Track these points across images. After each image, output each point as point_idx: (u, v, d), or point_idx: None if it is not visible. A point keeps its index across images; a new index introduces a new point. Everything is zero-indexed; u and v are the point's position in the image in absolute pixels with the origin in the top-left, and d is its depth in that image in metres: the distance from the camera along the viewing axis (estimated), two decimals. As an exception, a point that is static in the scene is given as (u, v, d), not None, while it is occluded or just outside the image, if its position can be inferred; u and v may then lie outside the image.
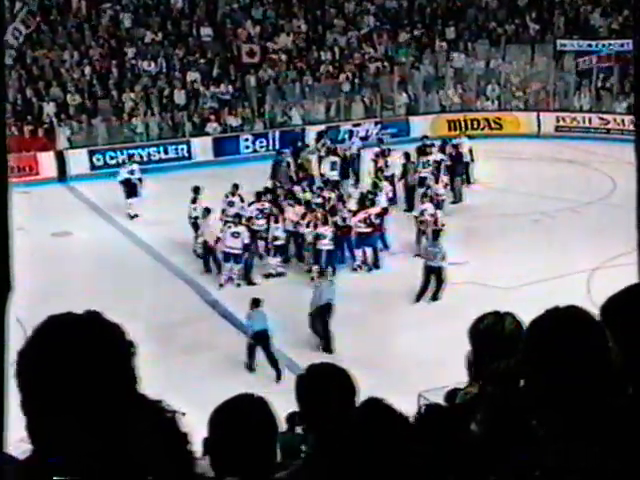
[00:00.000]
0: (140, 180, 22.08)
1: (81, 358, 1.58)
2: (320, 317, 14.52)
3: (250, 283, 17.57)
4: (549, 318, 1.98)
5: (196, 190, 19.19)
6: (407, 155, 22.34)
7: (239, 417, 2.51)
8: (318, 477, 2.49)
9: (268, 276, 17.80)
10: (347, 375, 2.92)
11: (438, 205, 19.34)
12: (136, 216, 21.44)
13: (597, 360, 1.89)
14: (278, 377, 13.43)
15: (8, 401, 1.58)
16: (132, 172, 22.08)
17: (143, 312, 15.58)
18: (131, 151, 26.18)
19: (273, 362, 13.76)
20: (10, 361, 1.60)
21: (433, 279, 16.33)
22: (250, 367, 14.00)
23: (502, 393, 2.69)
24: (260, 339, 13.90)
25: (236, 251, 17.34)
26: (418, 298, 16.26)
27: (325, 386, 2.84)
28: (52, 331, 1.62)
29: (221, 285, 17.41)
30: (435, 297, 16.36)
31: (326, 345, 14.44)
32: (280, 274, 17.90)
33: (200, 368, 13.65)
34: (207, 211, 18.34)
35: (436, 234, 17.09)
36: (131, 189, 21.89)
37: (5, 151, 1.61)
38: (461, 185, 22.66)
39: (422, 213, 18.73)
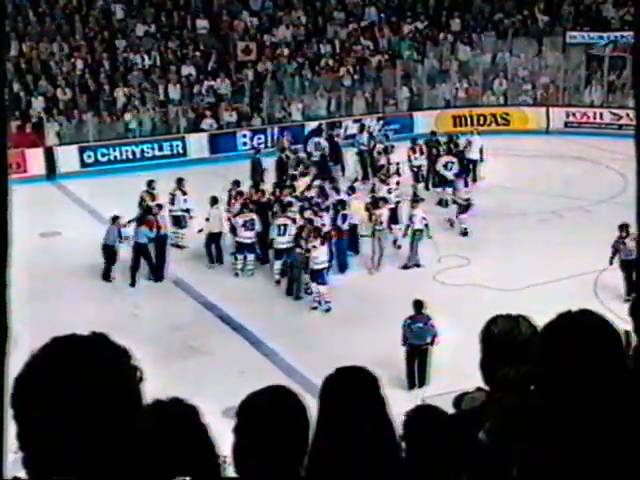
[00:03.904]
0: (188, 211, 19.35)
1: (87, 384, 1.53)
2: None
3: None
4: (562, 323, 1.97)
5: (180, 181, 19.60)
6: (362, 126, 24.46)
7: (271, 408, 2.50)
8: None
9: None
10: (376, 380, 2.82)
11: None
12: (186, 247, 19.21)
13: (611, 365, 1.88)
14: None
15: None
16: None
17: (134, 316, 15.91)
18: (124, 147, 25.65)
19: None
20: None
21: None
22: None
23: (512, 401, 2.61)
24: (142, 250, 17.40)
25: (248, 240, 17.79)
26: None
27: (355, 389, 2.74)
28: (56, 355, 1.55)
29: (237, 274, 17.88)
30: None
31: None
32: None
33: (196, 373, 13.57)
34: (214, 200, 18.50)
35: None
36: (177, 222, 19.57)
37: (6, 155, 1.59)
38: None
39: (411, 219, 18.04)
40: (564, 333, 1.94)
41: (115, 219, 17.66)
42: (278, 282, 17.40)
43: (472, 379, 3.19)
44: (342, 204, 18.29)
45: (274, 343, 14.83)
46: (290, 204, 18.22)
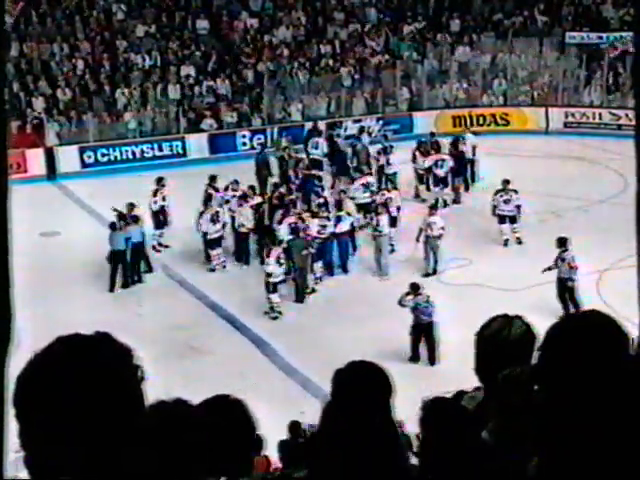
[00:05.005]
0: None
1: (90, 384, 1.53)
2: None
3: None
4: (570, 322, 1.97)
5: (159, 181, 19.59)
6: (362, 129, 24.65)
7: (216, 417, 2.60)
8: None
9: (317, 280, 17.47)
10: (386, 376, 2.87)
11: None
12: (167, 247, 19.43)
13: (618, 366, 1.85)
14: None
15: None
16: (164, 199, 19.48)
17: (137, 316, 15.93)
18: (124, 148, 25.62)
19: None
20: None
21: None
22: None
23: (515, 401, 2.59)
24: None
25: (219, 234, 17.94)
26: None
27: (366, 383, 2.78)
28: (60, 354, 1.56)
29: (212, 270, 17.98)
30: None
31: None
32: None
33: (198, 373, 13.55)
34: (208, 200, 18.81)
35: None
36: (165, 218, 19.55)
37: (6, 155, 1.57)
38: (460, 185, 22.35)
39: (430, 226, 17.66)
40: (571, 333, 1.91)
41: (115, 225, 17.53)
42: (283, 281, 17.38)
43: (474, 379, 3.20)
44: (339, 206, 18.34)
45: (275, 343, 14.86)
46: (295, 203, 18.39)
